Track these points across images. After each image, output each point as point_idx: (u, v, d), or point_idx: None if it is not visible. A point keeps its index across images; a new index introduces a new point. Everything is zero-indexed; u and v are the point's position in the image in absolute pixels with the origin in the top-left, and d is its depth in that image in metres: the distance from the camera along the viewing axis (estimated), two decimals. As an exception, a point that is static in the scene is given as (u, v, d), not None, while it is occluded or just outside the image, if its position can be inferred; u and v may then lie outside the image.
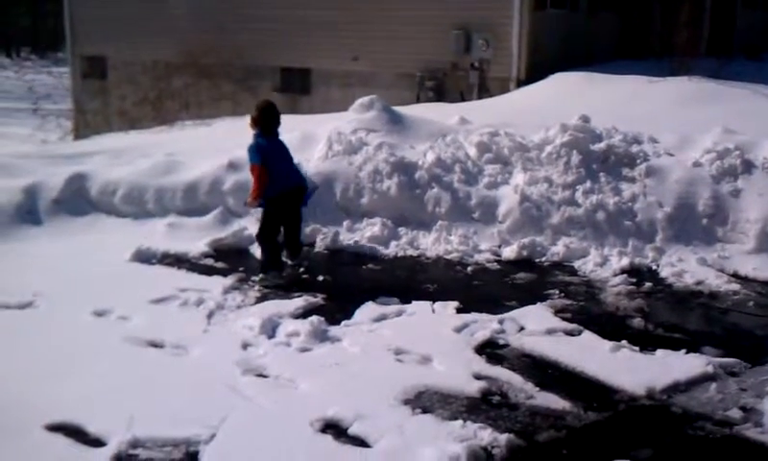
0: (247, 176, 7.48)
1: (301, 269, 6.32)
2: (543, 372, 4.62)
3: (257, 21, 15.11)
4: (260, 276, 6.15)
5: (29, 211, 7.40)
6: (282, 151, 6.19)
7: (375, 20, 14.11)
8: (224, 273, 6.25)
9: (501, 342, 5.00)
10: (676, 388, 4.42)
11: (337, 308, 5.51)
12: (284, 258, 6.28)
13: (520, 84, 12.99)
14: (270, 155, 6.01)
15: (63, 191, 7.65)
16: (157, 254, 6.65)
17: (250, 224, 7.12)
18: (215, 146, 8.58)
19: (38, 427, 3.89)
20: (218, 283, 5.96)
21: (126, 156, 8.63)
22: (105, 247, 6.78)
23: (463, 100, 13.06)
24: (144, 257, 6.56)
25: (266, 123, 6.09)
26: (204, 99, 14.45)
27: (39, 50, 42.37)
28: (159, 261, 6.56)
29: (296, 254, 6.34)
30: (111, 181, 7.79)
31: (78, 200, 7.67)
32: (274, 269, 6.16)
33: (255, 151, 6.03)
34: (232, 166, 7.73)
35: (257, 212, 7.25)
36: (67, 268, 6.28)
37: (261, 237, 6.21)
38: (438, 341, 4.94)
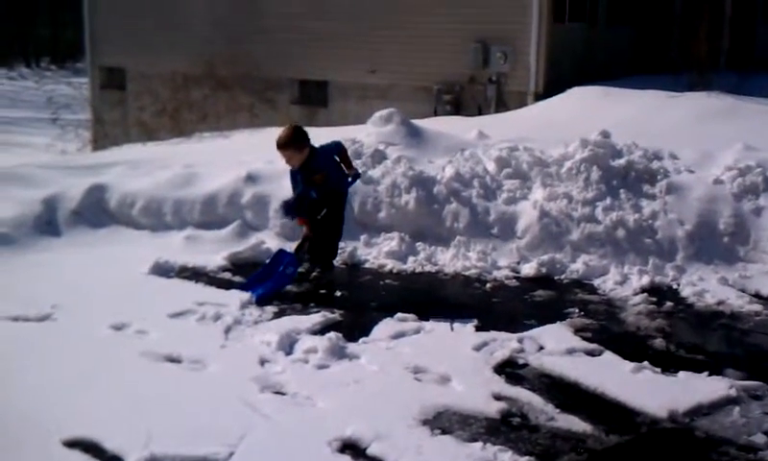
0: (264, 189, 7.57)
1: (315, 277, 6.33)
2: (564, 393, 4.56)
3: (275, 33, 15.20)
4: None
5: (48, 222, 7.42)
6: None
7: (393, 33, 14.15)
8: (241, 287, 6.24)
9: (521, 361, 4.95)
10: (699, 411, 4.35)
11: (355, 325, 5.47)
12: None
13: (538, 98, 12.97)
14: None
15: (82, 202, 7.67)
16: (175, 268, 6.65)
17: (268, 238, 7.12)
18: (233, 158, 8.59)
19: (56, 442, 3.87)
20: (235, 298, 5.93)
21: (144, 167, 8.65)
22: (123, 259, 6.78)
23: (480, 114, 13.05)
24: (162, 270, 6.55)
25: None
26: (222, 111, 14.52)
27: (59, 60, 42.76)
28: (177, 274, 6.56)
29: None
30: (130, 193, 7.81)
31: (97, 211, 7.68)
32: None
33: None
34: (251, 179, 7.74)
35: (275, 226, 7.30)
36: (86, 280, 6.29)
37: None
38: (457, 360, 4.89)
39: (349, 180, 6.33)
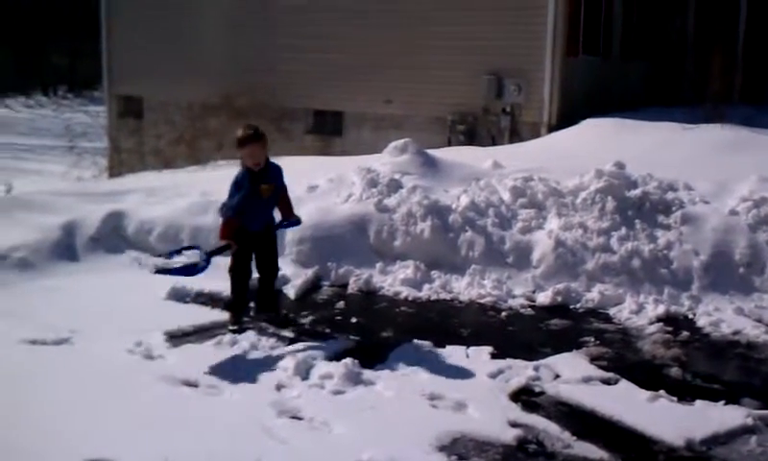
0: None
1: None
2: (580, 421, 4.56)
3: (291, 64, 15.35)
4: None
5: (66, 248, 7.49)
6: None
7: (408, 65, 14.28)
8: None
9: (537, 389, 4.94)
10: (715, 440, 4.34)
11: (371, 351, 5.49)
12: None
13: (551, 129, 13.03)
14: None
15: (100, 229, 7.75)
16: (192, 293, 6.69)
17: (283, 263, 7.14)
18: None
19: (75, 462, 3.91)
20: (252, 323, 5.97)
21: (161, 194, 8.74)
22: (140, 285, 6.82)
23: (494, 144, 13.11)
24: (179, 296, 6.60)
25: None
26: (238, 140, 14.60)
27: (76, 89, 43.19)
28: (194, 300, 6.60)
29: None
30: (148, 220, 7.88)
31: (114, 237, 7.76)
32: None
33: None
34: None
35: (292, 253, 7.33)
36: (103, 305, 6.35)
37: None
38: (472, 387, 4.90)
39: (288, 221, 6.18)
